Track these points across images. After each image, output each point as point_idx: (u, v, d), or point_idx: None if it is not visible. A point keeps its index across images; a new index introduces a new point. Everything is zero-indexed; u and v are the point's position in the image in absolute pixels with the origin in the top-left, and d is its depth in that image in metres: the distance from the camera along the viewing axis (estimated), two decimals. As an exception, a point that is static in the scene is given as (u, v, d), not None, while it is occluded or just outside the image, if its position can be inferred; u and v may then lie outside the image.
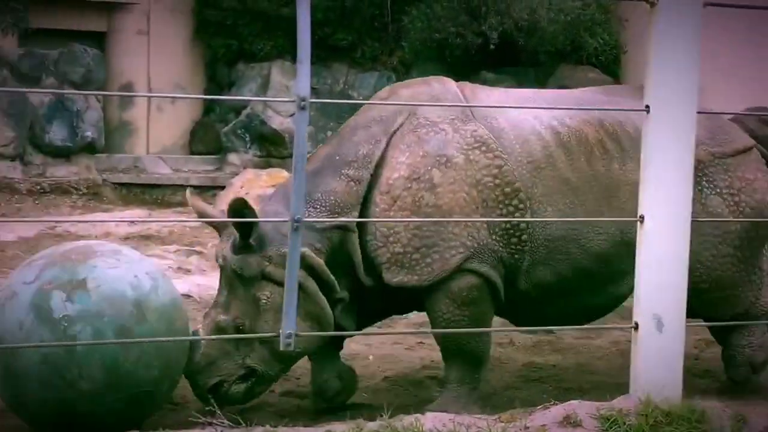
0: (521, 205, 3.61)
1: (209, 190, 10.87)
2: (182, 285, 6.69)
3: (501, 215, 3.60)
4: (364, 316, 3.93)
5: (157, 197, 11.10)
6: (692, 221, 2.93)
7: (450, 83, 3.90)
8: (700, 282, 3.71)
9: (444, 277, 3.59)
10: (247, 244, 3.54)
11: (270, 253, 3.56)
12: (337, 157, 3.71)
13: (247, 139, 11.86)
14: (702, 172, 3.73)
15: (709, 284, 3.80)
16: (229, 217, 3.48)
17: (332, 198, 3.64)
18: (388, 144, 3.68)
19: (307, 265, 3.47)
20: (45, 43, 11.53)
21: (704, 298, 3.76)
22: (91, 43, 12.20)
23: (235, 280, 3.60)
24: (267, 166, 11.27)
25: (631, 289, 3.19)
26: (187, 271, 7.55)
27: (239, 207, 3.44)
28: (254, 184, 9.26)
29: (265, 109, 11.77)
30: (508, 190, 3.60)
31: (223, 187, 10.36)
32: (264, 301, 3.57)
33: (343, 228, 3.64)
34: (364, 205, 3.67)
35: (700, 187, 3.72)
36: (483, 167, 3.60)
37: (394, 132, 3.70)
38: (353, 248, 3.65)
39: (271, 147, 11.85)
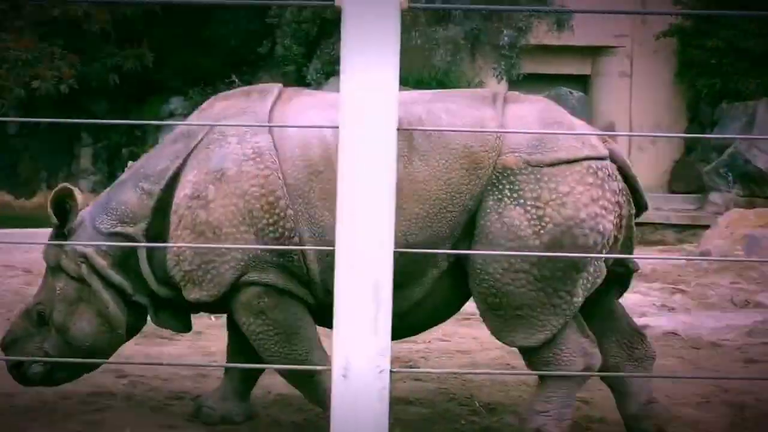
0: (283, 213, 3.43)
1: (689, 228, 10.97)
2: (666, 322, 6.98)
3: (268, 224, 3.42)
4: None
5: (637, 235, 11.45)
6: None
7: (270, 94, 3.70)
8: (489, 295, 3.38)
9: (228, 290, 3.50)
10: (60, 233, 3.64)
11: (66, 248, 3.62)
12: (141, 170, 3.73)
13: (730, 178, 11.67)
14: (507, 179, 3.34)
15: (500, 299, 3.36)
16: (51, 206, 3.58)
17: (123, 207, 3.65)
18: (185, 160, 3.61)
19: (90, 265, 3.57)
20: (532, 86, 12.65)
21: (498, 316, 3.42)
22: (576, 85, 13.13)
23: (47, 268, 3.77)
24: (750, 205, 10.98)
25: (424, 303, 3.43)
26: (671, 309, 7.73)
27: (62, 196, 3.59)
28: (740, 223, 9.15)
29: (749, 148, 11.50)
30: (271, 199, 3.42)
31: (703, 226, 10.39)
32: (58, 291, 3.65)
33: (127, 236, 3.63)
34: (165, 221, 3.62)
35: (501, 196, 3.34)
36: (251, 178, 3.44)
37: (193, 148, 3.62)
38: (140, 257, 3.62)
39: (755, 186, 11.53)
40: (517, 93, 3.81)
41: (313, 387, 3.60)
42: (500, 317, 3.45)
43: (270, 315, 3.52)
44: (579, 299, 3.40)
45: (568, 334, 3.42)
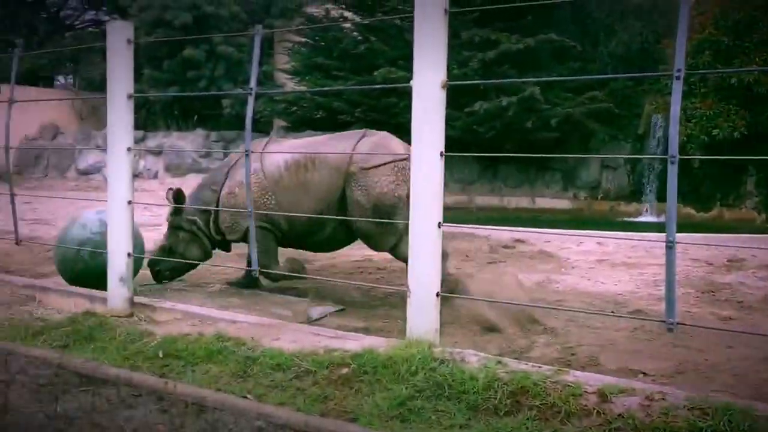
0: (268, 198, 6.04)
1: None
2: None
3: (264, 203, 6.03)
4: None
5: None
6: None
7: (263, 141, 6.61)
8: (361, 233, 6.02)
9: (243, 234, 6.13)
10: (177, 210, 6.29)
11: (183, 215, 6.28)
12: (211, 179, 6.58)
13: None
14: (354, 178, 5.87)
15: (367, 235, 5.99)
16: (174, 197, 6.37)
17: (204, 197, 6.41)
18: (227, 175, 6.37)
19: (195, 223, 6.26)
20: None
21: (369, 241, 6.09)
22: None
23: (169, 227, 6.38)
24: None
25: (327, 236, 6.08)
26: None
27: (179, 193, 6.31)
28: None
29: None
30: (262, 192, 6.05)
31: None
32: (180, 237, 6.28)
33: (205, 212, 6.28)
34: (219, 204, 6.27)
35: (352, 184, 5.87)
36: (254, 183, 5.92)
37: (230, 168, 6.43)
38: (211, 221, 6.32)
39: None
40: (370, 131, 6.29)
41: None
42: (370, 242, 6.03)
43: (264, 241, 5.97)
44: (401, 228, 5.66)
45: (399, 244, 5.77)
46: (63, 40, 29.50)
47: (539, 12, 15.72)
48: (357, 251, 8.01)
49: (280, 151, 6.25)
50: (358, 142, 6.00)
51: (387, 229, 5.82)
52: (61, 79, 31.45)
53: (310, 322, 5.17)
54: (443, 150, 3.71)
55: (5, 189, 6.07)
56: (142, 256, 6.04)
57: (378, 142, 6.03)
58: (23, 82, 23.97)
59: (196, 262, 6.17)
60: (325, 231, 6.06)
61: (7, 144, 5.67)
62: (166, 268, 6.21)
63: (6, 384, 3.26)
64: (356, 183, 5.86)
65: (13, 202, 5.84)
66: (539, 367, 3.38)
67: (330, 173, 5.96)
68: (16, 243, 5.87)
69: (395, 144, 6.03)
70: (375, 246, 6.10)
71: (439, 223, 3.74)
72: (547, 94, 15.01)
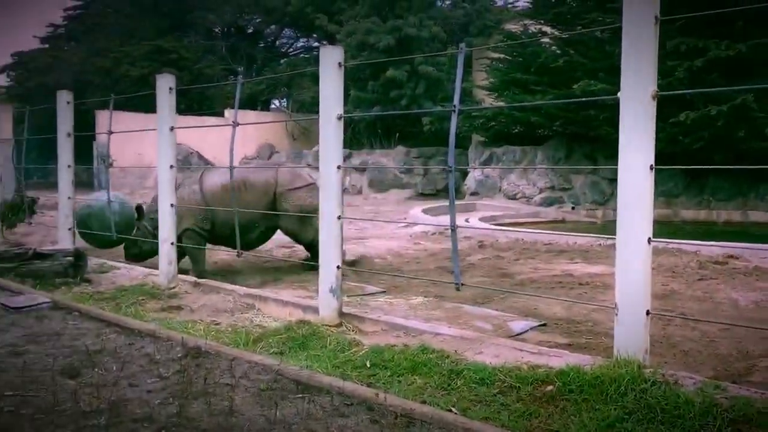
0: (207, 210, 7.79)
1: None
2: None
3: (203, 215, 7.93)
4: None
5: None
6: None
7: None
8: (287, 231, 8.35)
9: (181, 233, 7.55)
10: (138, 215, 8.35)
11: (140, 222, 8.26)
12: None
13: None
14: (284, 197, 8.05)
15: (292, 232, 8.31)
16: (136, 210, 8.42)
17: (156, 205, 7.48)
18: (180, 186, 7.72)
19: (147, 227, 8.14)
20: None
21: (296, 238, 8.41)
22: None
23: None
24: None
25: (255, 238, 8.06)
26: None
27: (139, 208, 8.31)
28: None
29: None
30: (201, 206, 7.91)
31: None
32: (138, 235, 8.23)
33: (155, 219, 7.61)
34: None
35: (281, 201, 8.05)
36: (196, 200, 7.96)
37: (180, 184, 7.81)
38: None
39: None
40: (282, 166, 8.90)
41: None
42: (296, 237, 8.18)
43: (192, 242, 7.80)
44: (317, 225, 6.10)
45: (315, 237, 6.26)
46: (278, 66, 31.42)
47: (752, 16, 14.64)
48: (557, 266, 7.81)
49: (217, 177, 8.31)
50: (277, 171, 8.28)
51: (306, 227, 8.00)
52: (276, 102, 33.26)
53: (512, 336, 5.09)
54: (653, 163, 3.51)
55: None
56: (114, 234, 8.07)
57: (293, 171, 8.69)
58: (244, 107, 26.28)
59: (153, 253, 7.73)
60: (254, 233, 8.00)
61: (231, 163, 6.06)
62: (132, 253, 8.19)
63: (231, 387, 3.45)
64: (284, 199, 8.03)
65: (236, 218, 6.24)
66: (762, 393, 3.09)
67: (259, 193, 8.03)
68: (237, 255, 6.26)
69: (305, 173, 8.56)
70: (298, 239, 8.30)
71: (649, 238, 3.54)
72: (761, 103, 13.91)
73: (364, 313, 5.15)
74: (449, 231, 4.74)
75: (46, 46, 33.47)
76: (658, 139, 3.54)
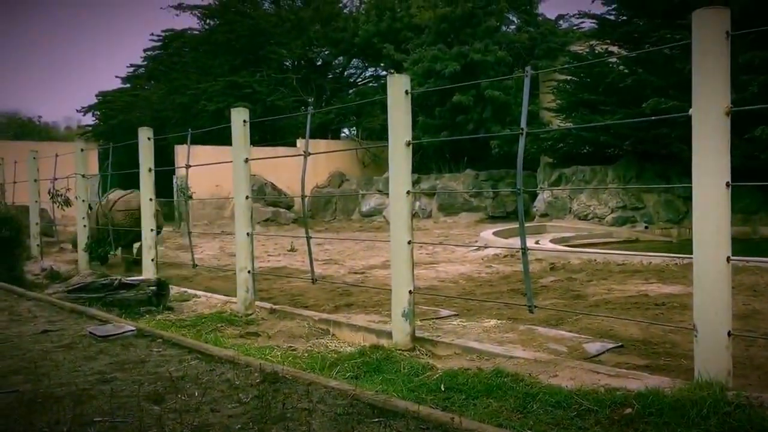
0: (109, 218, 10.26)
1: None
2: None
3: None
4: None
5: None
6: None
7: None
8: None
9: None
10: None
11: None
12: None
13: None
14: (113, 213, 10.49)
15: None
16: None
17: None
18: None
19: None
20: None
21: None
22: None
23: None
24: None
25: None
26: None
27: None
28: None
29: None
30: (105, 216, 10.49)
31: None
32: None
33: None
34: None
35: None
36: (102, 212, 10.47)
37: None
38: None
39: None
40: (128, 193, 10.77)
41: None
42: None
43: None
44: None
45: None
46: (347, 95, 31.85)
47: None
48: (632, 287, 7.61)
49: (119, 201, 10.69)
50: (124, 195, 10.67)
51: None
52: (346, 130, 33.66)
53: (588, 358, 4.96)
54: (729, 180, 3.40)
55: (302, 232, 6.64)
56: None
57: (132, 195, 10.59)
58: (315, 136, 26.82)
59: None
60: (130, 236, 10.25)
61: (303, 192, 6.13)
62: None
63: (308, 412, 3.45)
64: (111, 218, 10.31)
65: (309, 245, 6.28)
66: None
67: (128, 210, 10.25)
68: (312, 281, 6.29)
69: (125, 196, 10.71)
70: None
71: (728, 257, 3.42)
72: (842, 114, 13.33)
73: (437, 336, 5.08)
74: (520, 253, 4.65)
75: (128, 85, 34.64)
76: (733, 156, 3.43)
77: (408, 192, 5.04)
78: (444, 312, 6.34)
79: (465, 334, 5.42)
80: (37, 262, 11.38)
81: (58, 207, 11.77)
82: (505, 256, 10.74)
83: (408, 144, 5.02)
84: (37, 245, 12.62)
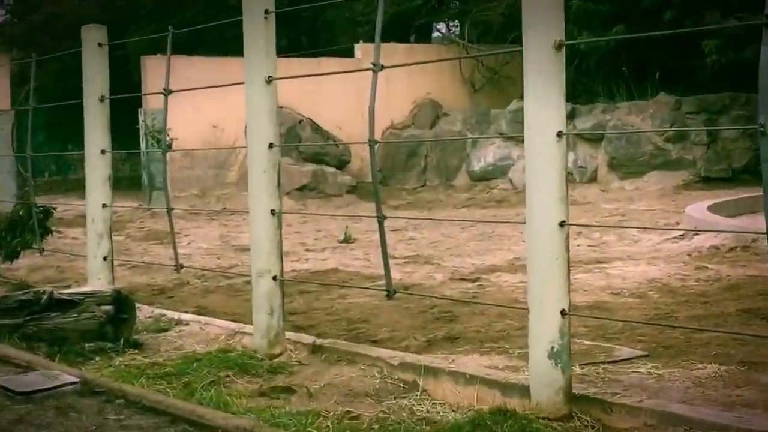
0: None
1: None
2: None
3: None
4: None
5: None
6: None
7: None
8: None
9: None
10: None
11: None
12: None
13: None
14: None
15: None
16: None
17: None
18: None
19: None
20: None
21: None
22: None
23: None
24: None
25: None
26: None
27: None
28: None
29: None
30: None
31: None
32: None
33: None
34: None
35: None
36: None
37: None
38: None
39: None
40: None
41: None
42: None
43: None
44: None
45: None
46: None
47: None
48: None
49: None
50: None
51: None
52: (442, 27, 21.93)
53: None
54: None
55: (364, 209, 4.59)
56: None
57: None
58: (387, 37, 13.56)
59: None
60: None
61: (371, 136, 3.75)
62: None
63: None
64: None
65: (381, 231, 3.98)
66: None
67: None
68: (387, 296, 4.23)
69: None
70: None
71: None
72: None
73: (611, 395, 3.36)
74: (765, 243, 3.36)
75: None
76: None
77: (560, 133, 3.16)
78: (623, 351, 4.39)
79: (662, 391, 3.69)
80: None
81: None
82: (733, 249, 7.57)
83: (558, 46, 3.14)
84: None
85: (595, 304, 5.54)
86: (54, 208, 6.89)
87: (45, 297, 4.50)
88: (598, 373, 3.81)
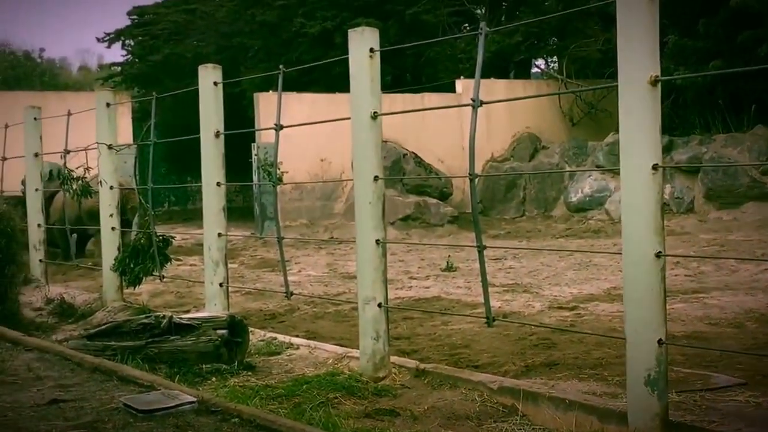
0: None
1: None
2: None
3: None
4: None
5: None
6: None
7: None
8: None
9: None
10: None
11: None
12: None
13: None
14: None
15: None
16: None
17: None
18: None
19: None
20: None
21: None
22: None
23: None
24: None
25: None
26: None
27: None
28: None
29: None
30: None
31: None
32: None
33: None
34: None
35: None
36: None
37: None
38: None
39: None
40: None
41: None
42: None
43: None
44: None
45: None
46: (543, 3, 18.70)
47: None
48: None
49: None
50: None
51: None
52: (540, 63, 21.75)
53: None
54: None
55: (465, 239, 4.48)
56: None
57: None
58: (488, 74, 15.71)
59: None
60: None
61: (471, 169, 3.80)
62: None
63: None
64: None
65: (481, 260, 3.93)
66: None
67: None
68: (487, 323, 4.05)
69: None
70: None
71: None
72: None
73: (709, 422, 3.29)
74: None
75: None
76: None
77: (655, 166, 3.12)
78: (720, 378, 4.16)
79: (760, 420, 3.48)
80: (39, 289, 7.83)
81: (72, 198, 7.62)
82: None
83: (654, 82, 3.09)
84: (40, 261, 8.30)
85: (693, 334, 5.37)
86: (173, 237, 6.95)
87: (165, 321, 4.63)
88: (695, 401, 3.67)
